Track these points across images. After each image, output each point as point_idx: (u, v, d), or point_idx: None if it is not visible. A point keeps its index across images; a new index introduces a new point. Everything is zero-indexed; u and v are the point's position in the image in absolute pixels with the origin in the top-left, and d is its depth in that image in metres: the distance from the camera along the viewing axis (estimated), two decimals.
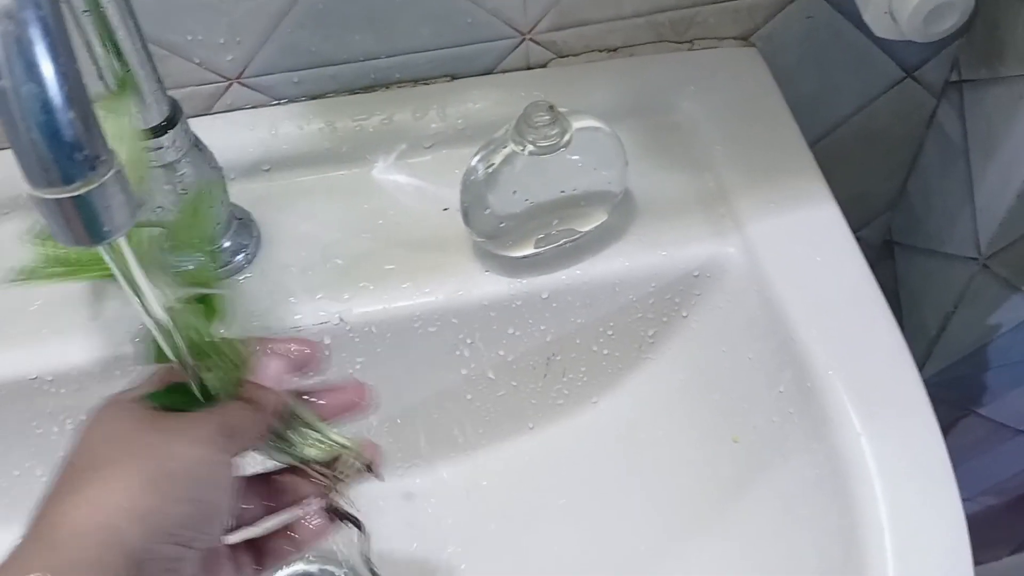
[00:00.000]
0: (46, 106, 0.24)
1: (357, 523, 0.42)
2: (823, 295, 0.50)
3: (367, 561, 0.44)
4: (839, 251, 0.52)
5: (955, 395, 0.85)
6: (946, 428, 0.89)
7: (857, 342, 0.49)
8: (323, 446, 0.40)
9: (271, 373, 0.40)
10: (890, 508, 0.44)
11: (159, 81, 0.43)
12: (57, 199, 0.26)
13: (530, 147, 0.48)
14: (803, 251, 0.52)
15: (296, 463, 0.40)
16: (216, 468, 0.35)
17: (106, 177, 0.26)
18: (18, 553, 0.31)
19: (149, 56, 0.42)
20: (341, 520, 0.41)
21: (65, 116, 0.25)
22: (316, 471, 0.40)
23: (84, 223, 0.27)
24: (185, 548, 0.33)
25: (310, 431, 0.40)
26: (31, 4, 0.24)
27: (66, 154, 0.25)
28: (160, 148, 0.45)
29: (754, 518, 0.51)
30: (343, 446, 0.41)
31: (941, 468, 0.45)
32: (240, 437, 0.37)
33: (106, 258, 0.30)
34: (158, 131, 0.44)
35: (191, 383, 0.37)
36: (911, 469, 0.45)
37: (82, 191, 0.26)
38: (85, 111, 0.25)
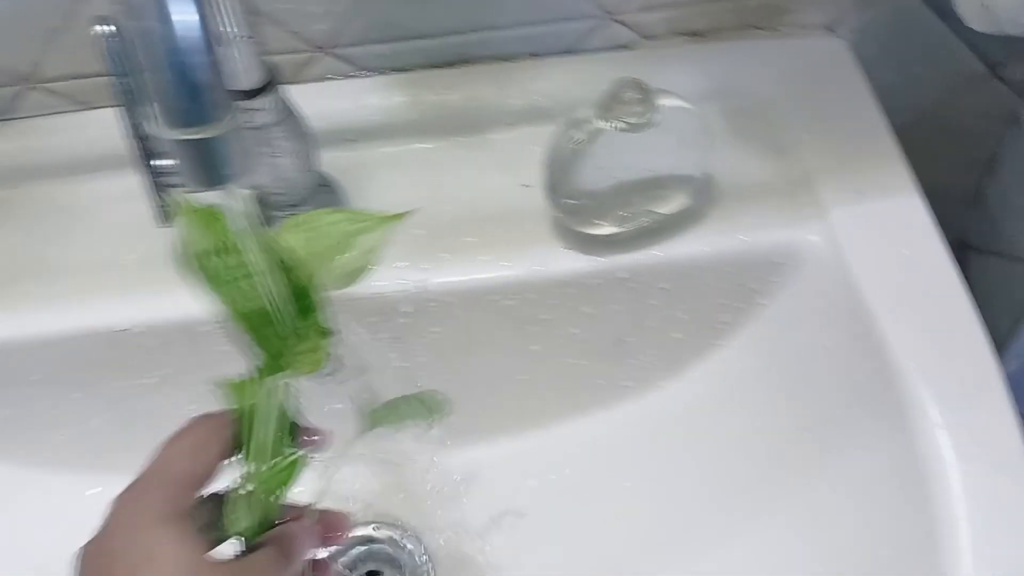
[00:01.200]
0: (183, 51, 0.25)
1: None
2: (905, 286, 0.50)
3: None
4: (922, 243, 0.51)
5: (1020, 403, 0.83)
6: None
7: (938, 334, 0.48)
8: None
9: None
10: (967, 501, 0.43)
11: (258, 44, 0.44)
12: (189, 140, 0.27)
13: (618, 123, 0.48)
14: (886, 241, 0.51)
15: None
16: None
17: (233, 124, 0.27)
18: None
19: (252, 18, 0.43)
20: None
21: (200, 62, 0.25)
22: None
23: (210, 165, 0.27)
24: None
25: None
26: None
27: (202, 97, 0.26)
28: (255, 111, 0.46)
29: (825, 508, 0.50)
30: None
31: (1020, 462, 0.44)
32: None
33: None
34: (253, 94, 0.45)
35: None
36: (989, 462, 0.44)
37: (211, 134, 0.27)
38: (217, 59, 0.26)
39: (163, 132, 0.27)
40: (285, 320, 0.34)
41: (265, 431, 0.35)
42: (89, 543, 0.35)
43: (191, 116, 0.26)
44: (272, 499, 0.36)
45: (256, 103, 0.45)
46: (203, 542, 0.34)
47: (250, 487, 0.35)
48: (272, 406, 0.35)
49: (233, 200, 0.32)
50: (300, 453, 0.37)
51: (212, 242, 0.32)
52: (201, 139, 0.26)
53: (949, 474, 0.44)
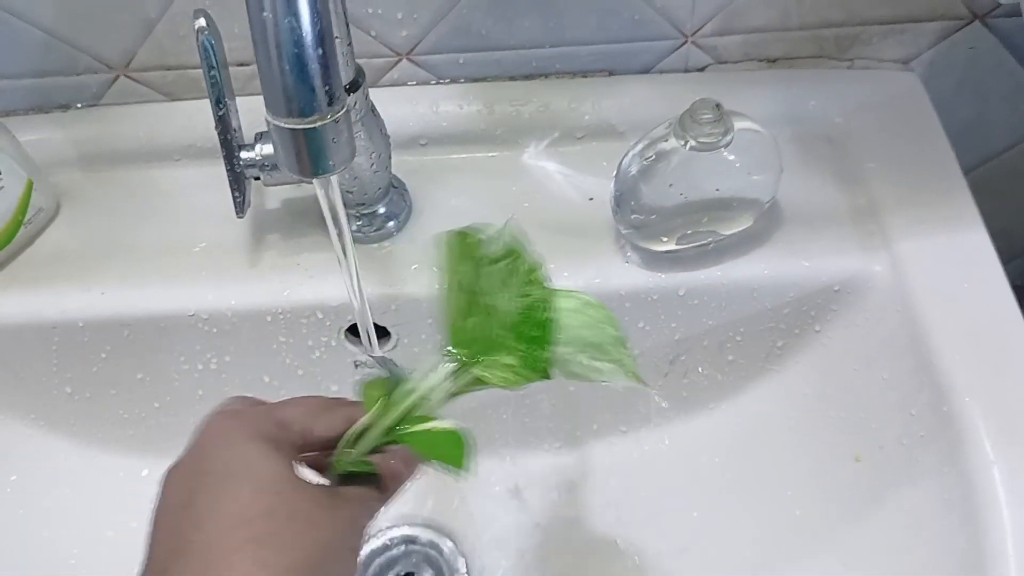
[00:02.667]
0: (300, 41, 0.26)
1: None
2: (967, 321, 0.50)
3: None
4: (986, 281, 0.51)
5: None
6: None
7: (997, 372, 0.48)
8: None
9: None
10: (1018, 540, 0.43)
11: (350, 45, 0.46)
12: (294, 129, 0.28)
13: (691, 142, 0.49)
14: (950, 276, 0.51)
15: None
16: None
17: (339, 115, 0.28)
18: None
19: (347, 20, 0.44)
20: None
21: (315, 52, 0.27)
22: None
23: (313, 155, 0.29)
24: None
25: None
26: None
27: (309, 88, 0.27)
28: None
29: (874, 541, 0.50)
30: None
31: None
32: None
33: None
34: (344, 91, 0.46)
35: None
36: None
37: (317, 124, 0.28)
38: (330, 51, 0.27)
39: (272, 120, 0.28)
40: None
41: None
42: (174, 465, 0.34)
43: (296, 105, 0.27)
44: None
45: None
46: (293, 466, 0.34)
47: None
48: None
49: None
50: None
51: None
52: (308, 128, 0.27)
53: (1002, 511, 0.44)
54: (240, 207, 0.50)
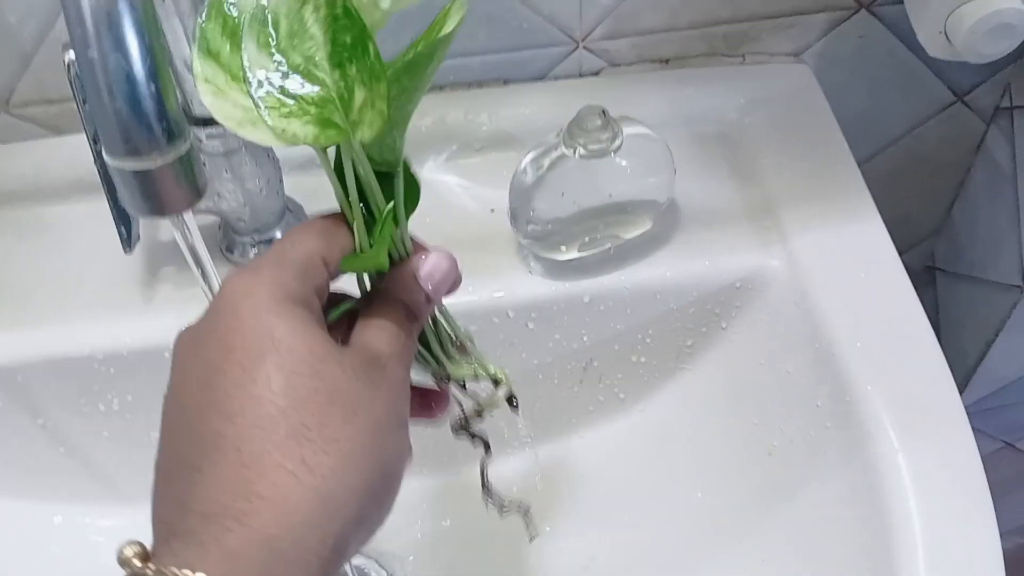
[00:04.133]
0: (129, 78, 0.25)
1: (486, 444, 0.40)
2: (865, 312, 0.50)
3: (486, 481, 0.41)
4: (883, 269, 0.52)
5: (991, 426, 0.84)
6: (983, 459, 0.88)
7: (898, 360, 0.49)
8: (468, 368, 0.38)
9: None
10: (925, 527, 0.44)
11: None
12: (131, 170, 0.27)
13: (581, 150, 0.48)
14: (847, 267, 0.52)
15: (437, 378, 0.38)
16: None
17: (182, 151, 0.27)
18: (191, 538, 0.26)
19: None
20: (471, 439, 0.40)
21: (147, 89, 0.26)
22: (457, 390, 0.38)
23: (155, 196, 0.28)
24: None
25: (457, 353, 0.38)
26: None
27: (144, 126, 0.26)
28: (220, 136, 0.46)
29: (787, 532, 0.50)
30: (490, 374, 0.38)
31: (978, 489, 0.45)
32: (390, 363, 0.31)
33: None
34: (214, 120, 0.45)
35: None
36: (948, 489, 0.45)
37: (156, 163, 0.27)
38: (166, 85, 0.26)
39: (109, 161, 0.27)
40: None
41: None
42: (189, 331, 0.30)
43: (130, 145, 0.26)
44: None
45: (217, 129, 0.46)
46: (325, 330, 0.30)
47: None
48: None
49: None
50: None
51: None
52: (141, 170, 0.26)
53: (909, 500, 0.44)
54: (127, 242, 0.49)
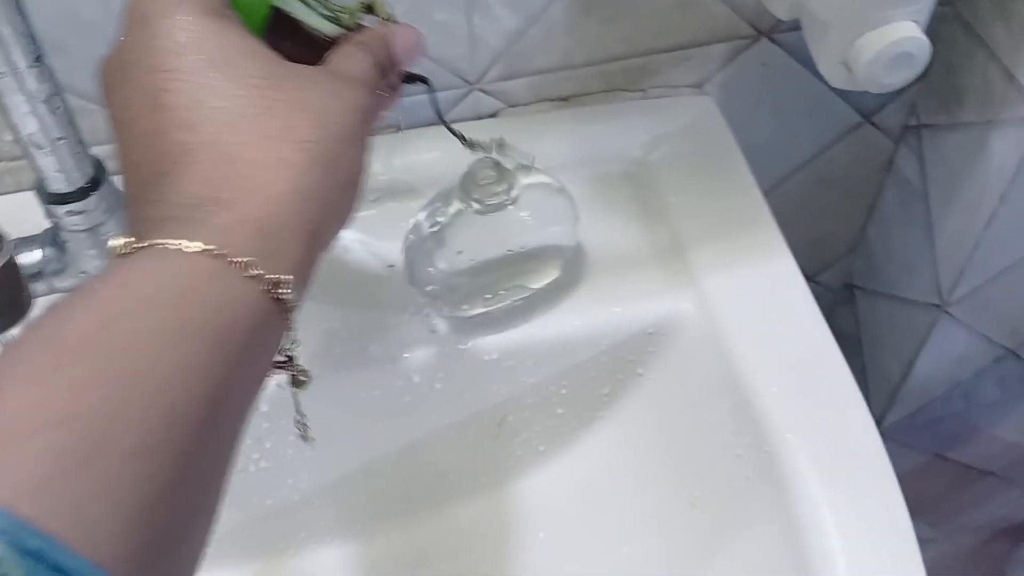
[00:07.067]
0: None
1: (425, 80, 0.40)
2: (780, 354, 0.48)
3: (440, 117, 0.42)
4: (795, 306, 0.50)
5: (921, 439, 0.83)
6: (914, 471, 0.88)
7: (816, 403, 0.47)
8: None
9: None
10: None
11: (81, 141, 0.41)
12: None
13: (476, 205, 0.46)
14: (759, 305, 0.50)
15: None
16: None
17: None
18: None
19: (71, 116, 0.40)
20: (409, 82, 0.39)
21: None
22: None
23: None
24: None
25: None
26: None
27: None
28: (84, 212, 0.43)
29: None
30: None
31: (905, 541, 0.43)
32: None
33: None
34: (79, 195, 0.42)
35: None
36: (874, 544, 0.43)
37: None
38: None
39: None
40: None
41: None
42: (112, 61, 0.29)
43: None
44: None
45: (79, 205, 0.42)
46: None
47: None
48: None
49: None
50: None
51: None
52: None
53: (835, 558, 0.43)
54: None
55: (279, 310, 0.26)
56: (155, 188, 0.27)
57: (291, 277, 0.26)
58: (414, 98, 0.55)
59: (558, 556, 0.54)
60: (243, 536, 0.54)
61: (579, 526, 0.55)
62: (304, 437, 0.37)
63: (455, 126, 0.42)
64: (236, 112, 0.28)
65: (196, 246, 0.25)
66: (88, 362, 0.22)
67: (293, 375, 0.32)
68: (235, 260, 0.25)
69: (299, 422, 0.37)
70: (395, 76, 0.36)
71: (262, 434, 0.50)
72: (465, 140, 0.42)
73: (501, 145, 0.43)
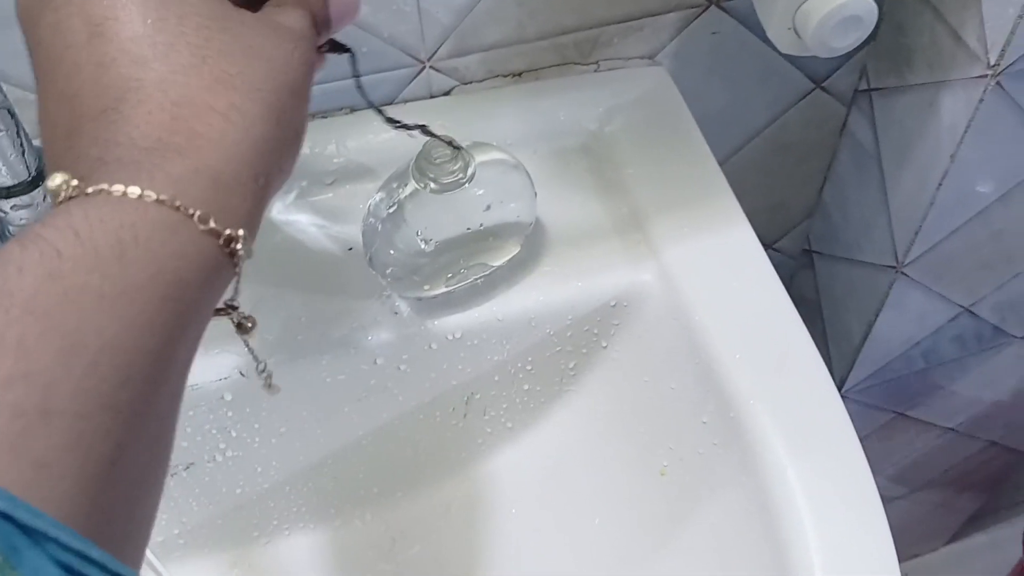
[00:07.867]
0: None
1: (349, 50, 0.39)
2: (740, 321, 0.49)
3: (360, 87, 0.41)
4: (753, 272, 0.51)
5: (883, 399, 0.85)
6: (877, 430, 0.89)
7: (778, 369, 0.47)
8: None
9: None
10: (821, 544, 0.42)
11: (23, 133, 0.40)
12: None
13: (432, 185, 0.46)
14: (718, 274, 0.50)
15: None
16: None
17: None
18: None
19: (18, 125, 0.39)
20: (334, 51, 0.38)
21: None
22: None
23: None
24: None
25: None
26: None
27: None
28: (31, 206, 0.42)
29: (684, 555, 0.49)
30: None
31: (869, 499, 0.44)
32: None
33: None
34: (22, 189, 0.41)
35: None
36: (840, 502, 0.43)
37: None
38: None
39: None
40: None
41: None
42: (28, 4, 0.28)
43: None
44: None
45: (26, 199, 0.41)
46: None
47: None
48: None
49: None
50: None
51: None
52: None
53: (802, 517, 0.43)
54: None
55: (230, 264, 0.26)
56: (99, 124, 0.26)
57: (244, 232, 0.26)
58: (366, 78, 0.55)
59: (531, 530, 0.55)
60: (215, 527, 0.54)
61: (551, 500, 0.55)
62: (268, 386, 0.37)
63: (397, 107, 0.41)
64: (187, 51, 0.26)
65: (150, 195, 0.24)
66: (40, 319, 0.21)
67: (239, 322, 0.31)
68: (191, 213, 0.25)
69: (260, 370, 0.36)
70: (324, 39, 0.35)
71: (227, 423, 0.50)
72: (390, 119, 0.41)
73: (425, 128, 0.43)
